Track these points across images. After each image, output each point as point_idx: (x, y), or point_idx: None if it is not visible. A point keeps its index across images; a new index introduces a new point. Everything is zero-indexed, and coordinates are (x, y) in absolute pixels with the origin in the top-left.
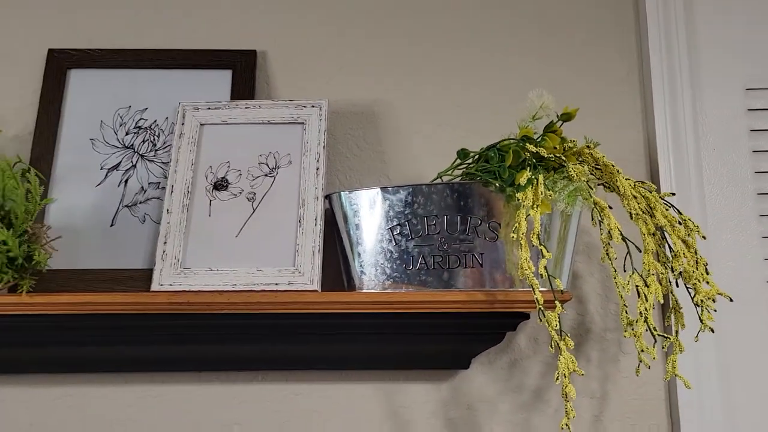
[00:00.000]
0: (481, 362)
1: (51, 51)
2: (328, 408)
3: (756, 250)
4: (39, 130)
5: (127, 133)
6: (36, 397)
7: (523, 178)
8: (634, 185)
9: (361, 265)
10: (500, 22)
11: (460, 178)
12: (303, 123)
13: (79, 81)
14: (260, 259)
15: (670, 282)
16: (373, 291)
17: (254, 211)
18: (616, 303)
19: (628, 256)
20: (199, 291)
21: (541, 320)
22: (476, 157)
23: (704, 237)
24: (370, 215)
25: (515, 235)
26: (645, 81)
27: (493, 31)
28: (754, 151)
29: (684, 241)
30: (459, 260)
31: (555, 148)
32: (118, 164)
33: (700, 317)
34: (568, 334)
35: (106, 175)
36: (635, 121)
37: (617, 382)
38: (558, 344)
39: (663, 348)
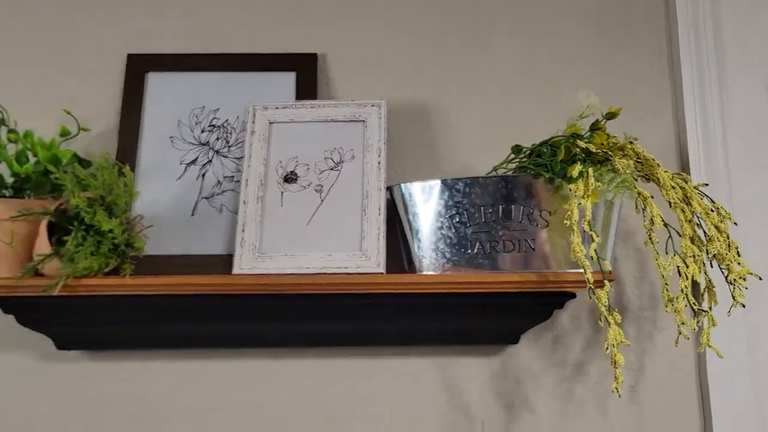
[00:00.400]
0: (527, 338)
1: (130, 56)
2: (388, 380)
3: None
4: (123, 128)
5: (202, 131)
6: (134, 370)
7: (575, 171)
8: (672, 177)
9: (421, 250)
10: (544, 27)
11: (512, 171)
12: (364, 121)
13: (156, 83)
14: (330, 246)
15: (704, 263)
16: (434, 273)
17: (322, 201)
18: (650, 284)
19: (669, 239)
20: (280, 274)
21: (591, 297)
22: (528, 152)
23: (735, 223)
24: (430, 205)
25: (568, 222)
26: (676, 78)
27: (538, 35)
28: None
29: (716, 227)
30: (513, 245)
31: (602, 144)
32: (196, 159)
33: (732, 294)
34: (616, 309)
35: (185, 169)
36: (667, 116)
37: (652, 356)
38: (607, 318)
39: (697, 323)
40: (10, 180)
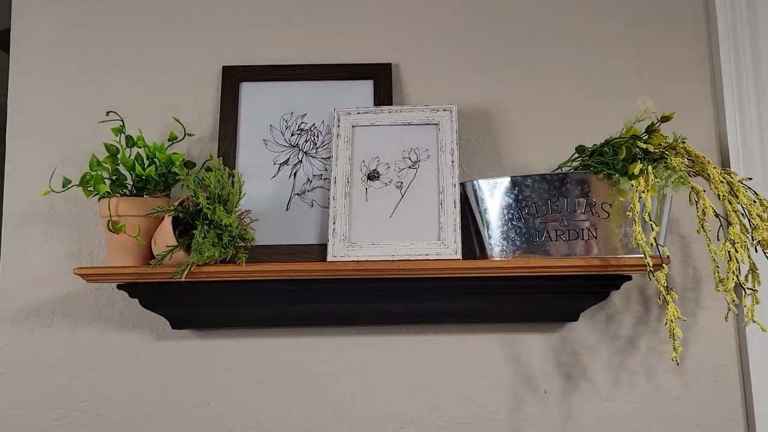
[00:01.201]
0: (584, 316)
1: (225, 67)
2: (461, 353)
3: None
4: (222, 133)
5: (292, 135)
6: (238, 346)
7: (636, 168)
8: (720, 172)
9: (492, 238)
10: (596, 37)
11: (576, 168)
12: (437, 124)
13: (249, 92)
14: (412, 235)
15: (748, 249)
16: (506, 259)
17: (402, 196)
18: (693, 267)
19: (720, 228)
20: (374, 260)
21: (650, 279)
22: (590, 152)
23: None
24: (500, 199)
25: (630, 214)
26: (716, 84)
27: (591, 45)
28: None
29: (760, 216)
30: (577, 233)
31: (660, 144)
32: (287, 160)
33: None
34: (673, 289)
35: (279, 169)
36: (708, 117)
37: (696, 332)
38: (665, 297)
39: (743, 303)
40: (127, 181)
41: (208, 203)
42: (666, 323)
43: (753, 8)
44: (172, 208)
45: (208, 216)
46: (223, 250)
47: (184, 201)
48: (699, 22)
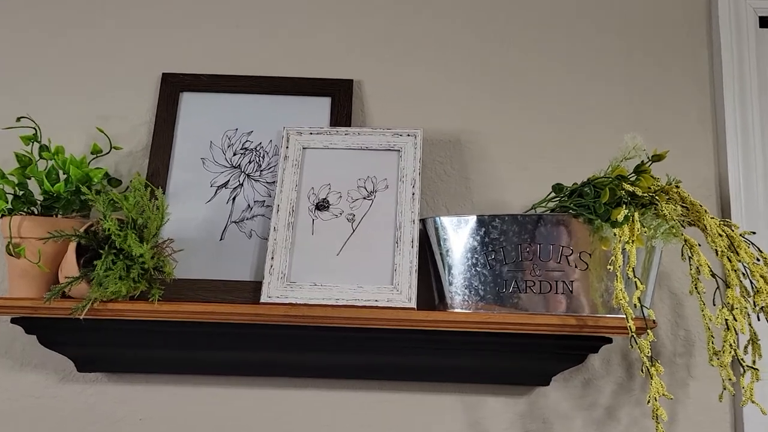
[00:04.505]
0: (556, 380)
1: (165, 75)
2: (414, 415)
3: None
4: (155, 148)
5: (234, 154)
6: (152, 394)
7: (620, 215)
8: (719, 224)
9: (453, 286)
10: (586, 64)
11: (552, 210)
12: (399, 150)
13: (190, 103)
14: (360, 277)
15: (749, 315)
16: (467, 311)
17: (354, 231)
18: (685, 329)
19: (717, 291)
20: (313, 305)
21: (632, 347)
22: (569, 191)
23: None
24: (464, 240)
25: (611, 267)
26: (719, 125)
27: (579, 71)
28: None
29: (763, 277)
30: (550, 286)
31: (649, 187)
32: (227, 183)
33: None
34: (658, 360)
35: (216, 192)
36: (708, 159)
37: (686, 405)
38: (649, 370)
39: (741, 382)
40: (39, 197)
41: (118, 229)
42: (648, 401)
43: (762, 41)
44: (74, 232)
45: (117, 244)
46: (132, 284)
47: (93, 225)
48: (701, 53)
